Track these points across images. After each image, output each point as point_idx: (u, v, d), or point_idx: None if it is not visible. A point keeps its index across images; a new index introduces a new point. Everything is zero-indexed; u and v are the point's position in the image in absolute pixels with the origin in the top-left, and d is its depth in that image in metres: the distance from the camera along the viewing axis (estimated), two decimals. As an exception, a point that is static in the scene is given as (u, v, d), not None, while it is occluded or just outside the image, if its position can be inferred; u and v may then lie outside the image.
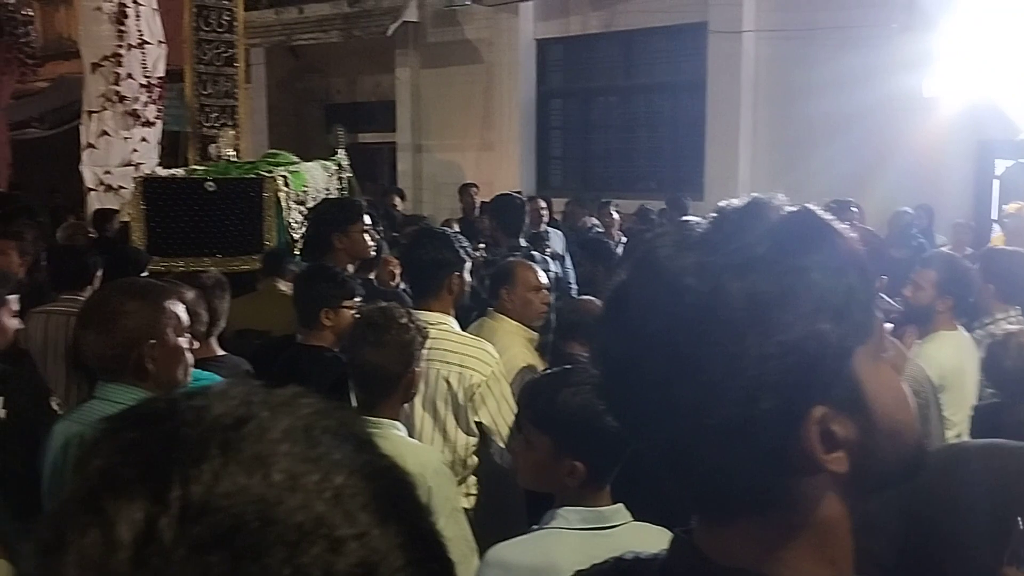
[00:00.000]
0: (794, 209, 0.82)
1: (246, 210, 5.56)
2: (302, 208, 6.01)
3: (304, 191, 6.27)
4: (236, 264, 5.39)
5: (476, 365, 2.98)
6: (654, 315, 0.78)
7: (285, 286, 4.16)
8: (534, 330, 3.55)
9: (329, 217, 4.11)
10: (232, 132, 7.29)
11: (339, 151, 7.38)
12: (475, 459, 3.04)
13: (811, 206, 0.83)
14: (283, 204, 5.69)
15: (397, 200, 9.31)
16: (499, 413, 2.97)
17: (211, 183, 5.72)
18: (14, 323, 3.07)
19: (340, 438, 0.55)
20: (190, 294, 3.05)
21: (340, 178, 7.10)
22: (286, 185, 5.79)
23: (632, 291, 0.82)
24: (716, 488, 0.79)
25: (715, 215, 0.84)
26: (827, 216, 0.82)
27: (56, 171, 13.06)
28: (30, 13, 12.59)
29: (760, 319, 0.75)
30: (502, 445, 2.96)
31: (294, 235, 5.84)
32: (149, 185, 5.74)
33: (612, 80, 10.98)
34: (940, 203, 7.74)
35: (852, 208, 5.94)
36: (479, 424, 3.00)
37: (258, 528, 0.49)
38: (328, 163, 6.98)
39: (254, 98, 13.29)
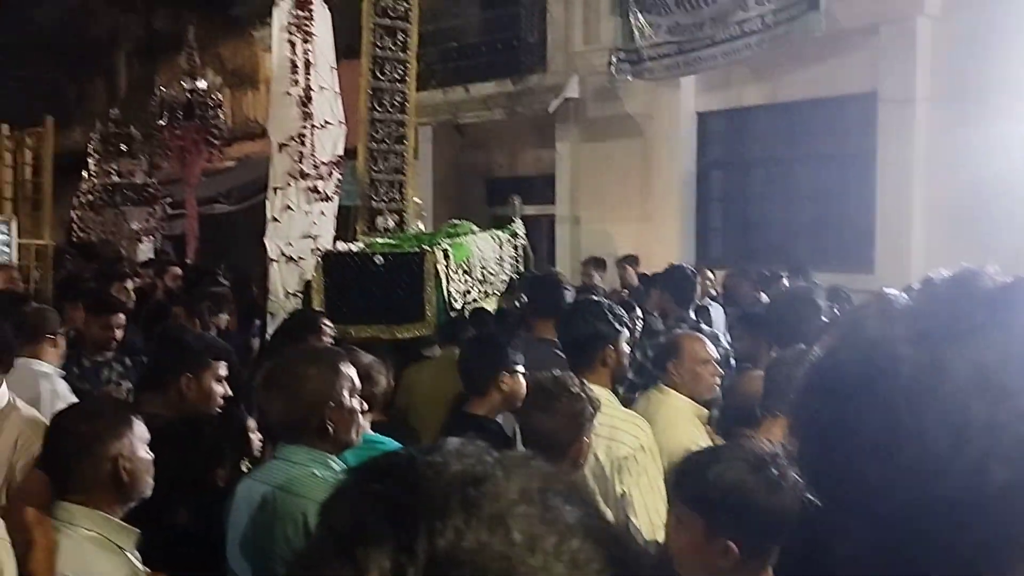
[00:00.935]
0: (1009, 279, 0.80)
1: (409, 282, 5.93)
2: (467, 278, 6.31)
3: (467, 262, 6.56)
4: (401, 332, 5.78)
5: (624, 438, 2.92)
6: (869, 385, 0.77)
7: None
8: (703, 405, 3.47)
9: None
10: (417, 202, 7.87)
11: (515, 219, 7.75)
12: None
13: None
14: (442, 276, 6.00)
15: (595, 273, 8.85)
16: (637, 486, 2.89)
17: (379, 257, 6.17)
18: (219, 389, 3.24)
19: (571, 502, 0.56)
20: (367, 358, 3.18)
21: (515, 247, 7.43)
22: (446, 258, 6.13)
23: (842, 362, 0.81)
24: (941, 570, 0.75)
25: (923, 285, 0.83)
26: None
27: (237, 243, 13.99)
28: (220, 98, 13.70)
29: (987, 387, 0.72)
30: (634, 519, 2.87)
31: (456, 304, 6.15)
32: (328, 259, 6.25)
33: (774, 151, 10.80)
34: None
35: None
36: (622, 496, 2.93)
37: None
38: (501, 233, 7.30)
39: (421, 173, 13.85)
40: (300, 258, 7.74)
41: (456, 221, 7.79)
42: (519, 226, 7.81)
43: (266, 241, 8.04)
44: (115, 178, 13.18)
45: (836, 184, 10.13)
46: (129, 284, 7.41)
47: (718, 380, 3.52)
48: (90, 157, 13.32)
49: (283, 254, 7.89)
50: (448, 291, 6.14)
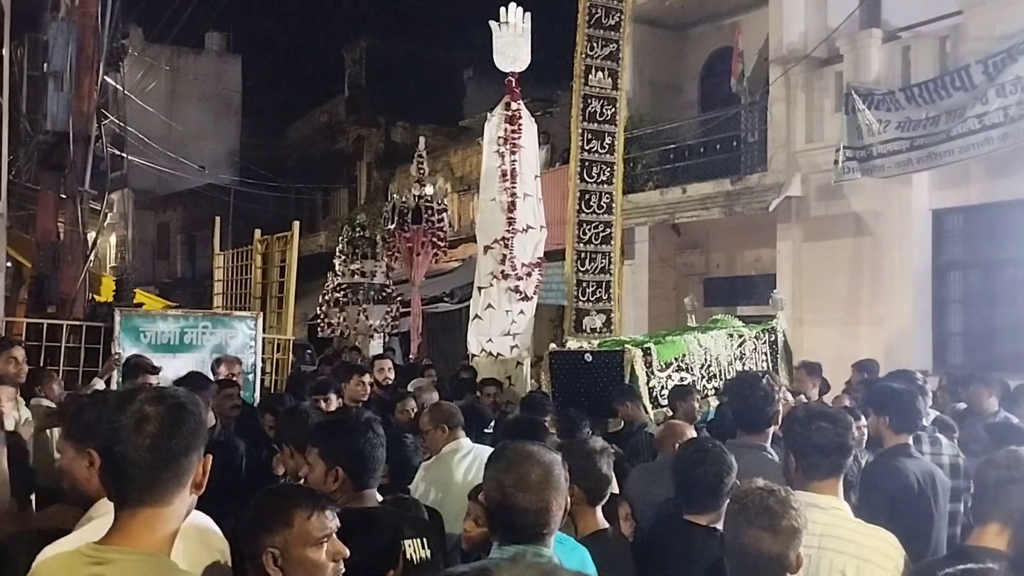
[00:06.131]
0: None
1: (611, 377, 6.42)
2: (685, 375, 6.56)
3: (681, 359, 6.74)
4: (607, 426, 6.10)
5: (877, 558, 2.61)
6: None
7: None
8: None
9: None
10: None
11: (779, 313, 7.88)
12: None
13: None
14: (640, 374, 6.41)
15: (808, 380, 7.58)
16: None
17: (589, 355, 6.72)
18: None
19: None
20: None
21: (771, 343, 7.69)
22: (647, 356, 6.54)
23: None
24: None
25: None
26: None
27: (458, 341, 14.47)
28: (445, 202, 14.44)
29: None
30: None
31: (661, 401, 6.43)
32: (553, 357, 6.96)
33: (1022, 251, 9.95)
34: None
35: None
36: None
37: None
38: (745, 329, 7.61)
39: (636, 273, 13.88)
40: (499, 354, 8.04)
41: (717, 318, 8.12)
42: (781, 322, 7.94)
43: (469, 337, 8.40)
44: (358, 278, 14.05)
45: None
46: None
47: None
48: (336, 259, 14.32)
49: (483, 350, 8.20)
50: (653, 386, 6.49)
